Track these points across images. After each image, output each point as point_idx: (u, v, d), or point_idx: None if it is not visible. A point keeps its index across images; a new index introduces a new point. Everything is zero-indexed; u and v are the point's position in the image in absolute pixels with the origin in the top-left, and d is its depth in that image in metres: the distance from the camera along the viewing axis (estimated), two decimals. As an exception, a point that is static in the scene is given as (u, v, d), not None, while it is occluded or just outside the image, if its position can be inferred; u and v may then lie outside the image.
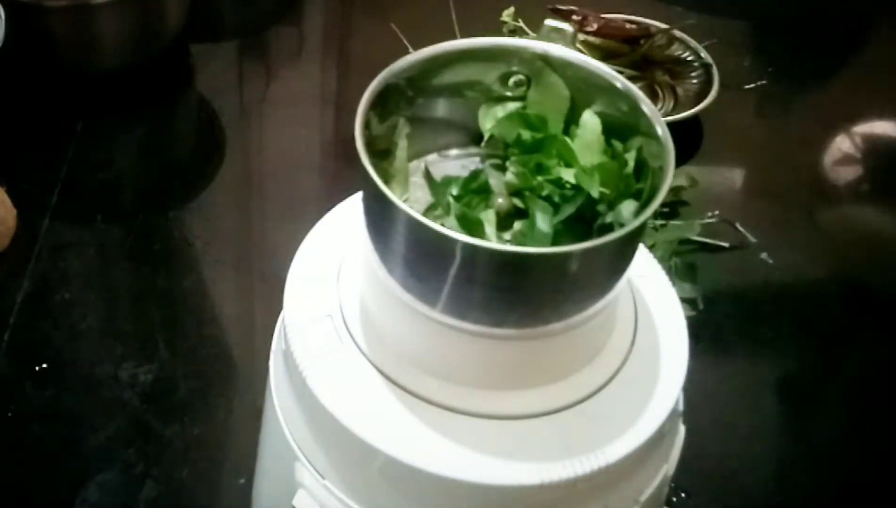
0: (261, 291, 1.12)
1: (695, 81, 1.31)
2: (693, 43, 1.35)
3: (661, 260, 0.71)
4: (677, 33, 1.35)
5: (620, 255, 0.58)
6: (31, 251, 1.10)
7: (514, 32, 1.37)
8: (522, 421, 0.59)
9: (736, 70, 1.38)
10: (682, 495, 0.92)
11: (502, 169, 0.63)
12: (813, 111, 1.38)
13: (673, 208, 1.15)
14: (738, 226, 1.17)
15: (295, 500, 0.64)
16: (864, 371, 1.08)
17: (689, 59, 1.34)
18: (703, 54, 1.33)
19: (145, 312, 1.08)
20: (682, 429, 0.68)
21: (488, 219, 0.59)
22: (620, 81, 0.61)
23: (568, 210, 0.59)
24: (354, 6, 1.53)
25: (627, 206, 0.58)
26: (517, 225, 0.60)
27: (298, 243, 0.68)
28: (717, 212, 1.17)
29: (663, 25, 1.35)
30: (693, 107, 1.25)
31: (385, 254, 0.58)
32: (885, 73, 1.45)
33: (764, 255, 1.16)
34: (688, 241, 1.11)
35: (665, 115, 1.26)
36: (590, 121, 0.61)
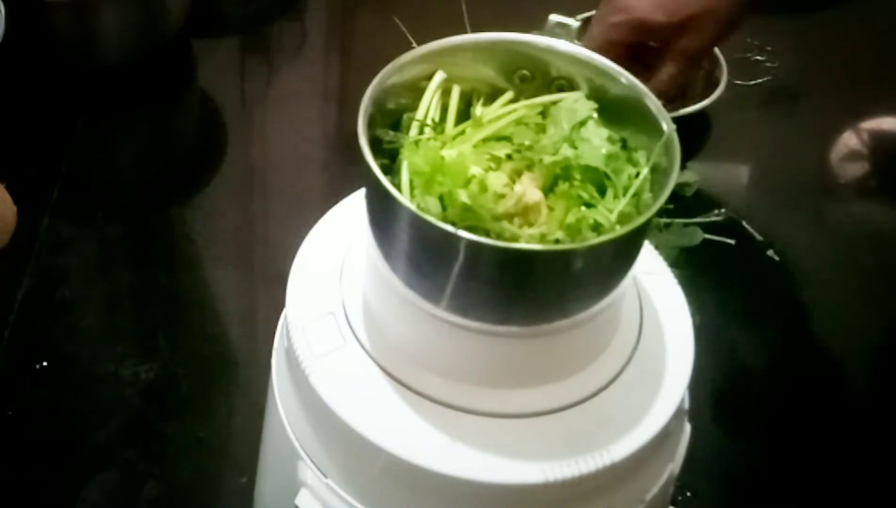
0: (263, 288, 1.12)
1: (702, 75, 1.31)
2: None
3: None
4: None
5: (625, 253, 0.58)
6: (31, 248, 1.10)
7: None
8: (527, 420, 0.59)
9: (743, 65, 1.38)
10: (688, 494, 0.92)
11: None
12: (820, 107, 1.38)
13: (678, 205, 1.14)
14: (744, 223, 1.17)
15: (297, 499, 0.64)
16: (872, 368, 1.08)
17: None
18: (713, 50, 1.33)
19: (146, 310, 1.08)
20: (687, 428, 0.68)
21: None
22: (625, 77, 0.61)
23: None
24: (358, 0, 1.53)
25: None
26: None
27: (301, 240, 0.68)
28: (723, 210, 1.17)
29: None
30: (701, 101, 1.25)
31: (388, 251, 0.58)
32: (891, 68, 1.45)
33: (770, 252, 1.15)
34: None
35: (673, 110, 1.25)
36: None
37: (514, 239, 0.55)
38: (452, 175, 0.56)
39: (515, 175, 0.59)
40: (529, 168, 0.59)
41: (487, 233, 0.55)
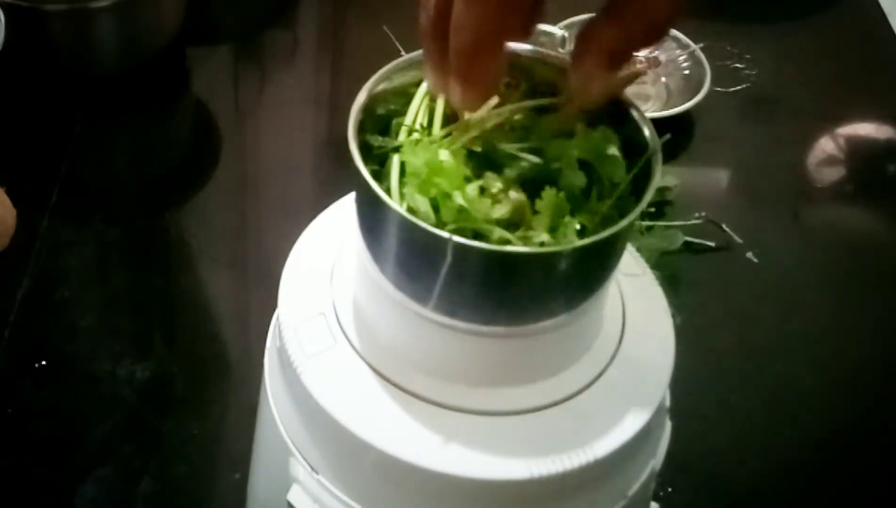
0: (256, 290, 1.12)
1: (686, 79, 1.32)
2: (686, 40, 1.36)
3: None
4: (671, 32, 1.36)
5: (608, 255, 0.58)
6: (30, 250, 1.10)
7: None
8: (512, 417, 0.60)
9: (723, 72, 1.38)
10: (669, 489, 0.93)
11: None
12: (797, 113, 1.38)
13: (659, 209, 1.15)
14: (723, 226, 1.17)
15: (289, 495, 0.64)
16: (847, 369, 1.08)
17: (682, 57, 1.35)
18: (697, 52, 1.34)
19: (142, 310, 1.09)
20: (668, 425, 0.69)
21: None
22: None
23: None
24: (348, 10, 1.53)
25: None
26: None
27: (293, 243, 0.68)
28: (703, 213, 1.18)
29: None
30: (682, 104, 1.26)
31: (377, 253, 0.58)
32: (866, 76, 1.46)
33: (749, 255, 1.16)
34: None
35: (657, 111, 1.26)
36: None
37: (503, 242, 0.54)
38: (449, 176, 0.56)
39: (508, 181, 0.58)
40: (517, 170, 0.59)
41: (476, 235, 0.55)
